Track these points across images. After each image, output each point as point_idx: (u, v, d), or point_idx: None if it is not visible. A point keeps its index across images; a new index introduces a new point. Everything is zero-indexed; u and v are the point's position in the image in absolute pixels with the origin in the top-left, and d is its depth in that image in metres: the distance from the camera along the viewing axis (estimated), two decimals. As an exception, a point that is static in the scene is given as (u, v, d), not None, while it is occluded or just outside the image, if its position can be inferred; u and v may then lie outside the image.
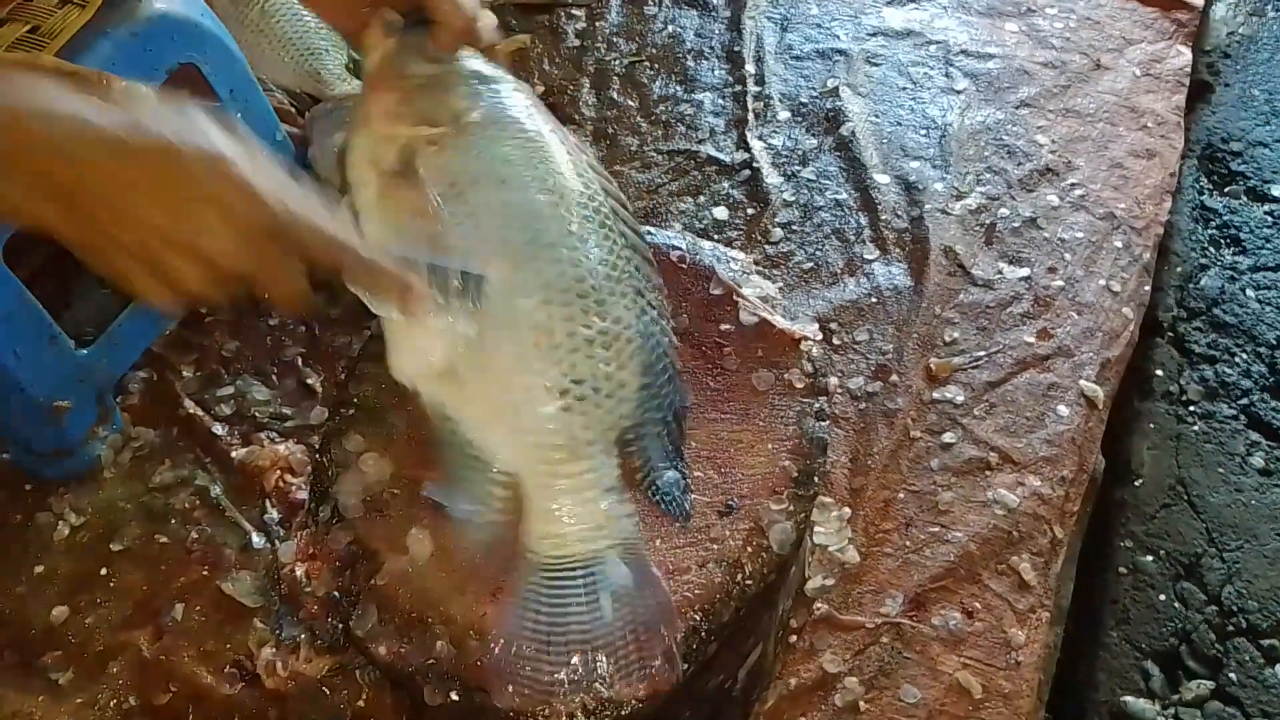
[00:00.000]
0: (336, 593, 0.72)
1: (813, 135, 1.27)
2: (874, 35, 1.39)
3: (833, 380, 1.00)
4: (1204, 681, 0.97)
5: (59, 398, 0.92)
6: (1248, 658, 0.99)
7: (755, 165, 1.24)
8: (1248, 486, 1.10)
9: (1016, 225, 1.18)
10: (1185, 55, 1.37)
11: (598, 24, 1.40)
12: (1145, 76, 1.34)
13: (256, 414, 1.01)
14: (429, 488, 0.71)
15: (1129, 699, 0.97)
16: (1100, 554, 1.06)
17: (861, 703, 0.86)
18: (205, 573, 0.91)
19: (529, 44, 1.36)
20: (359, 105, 0.74)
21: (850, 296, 1.11)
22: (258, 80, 1.06)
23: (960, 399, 1.04)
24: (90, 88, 0.59)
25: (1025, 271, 1.14)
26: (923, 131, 1.27)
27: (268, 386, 1.02)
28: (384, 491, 0.75)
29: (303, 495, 0.93)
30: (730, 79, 1.34)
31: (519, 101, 0.76)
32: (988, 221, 1.18)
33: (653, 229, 0.95)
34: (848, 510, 0.95)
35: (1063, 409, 1.03)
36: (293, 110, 1.19)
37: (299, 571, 0.81)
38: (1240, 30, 1.55)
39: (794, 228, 1.18)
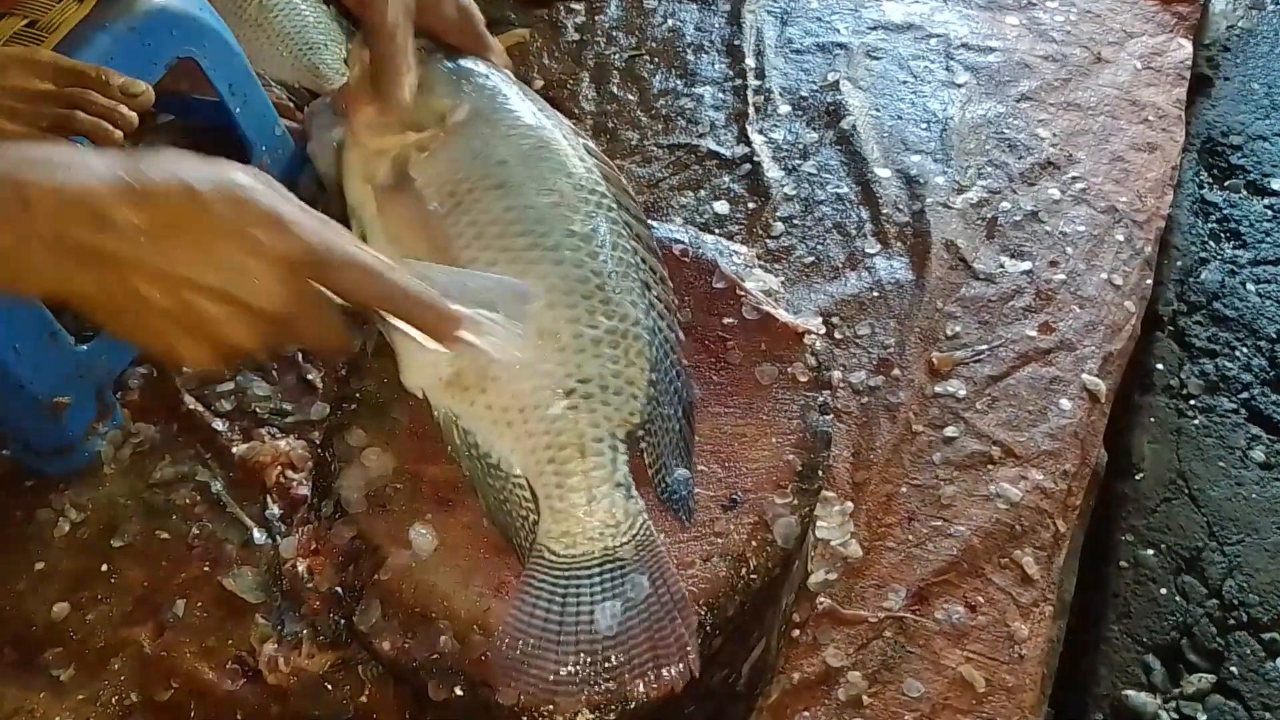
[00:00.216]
0: (339, 588, 0.72)
1: (813, 129, 1.27)
2: (874, 29, 1.38)
3: (835, 374, 1.00)
4: (1205, 675, 0.98)
5: (59, 394, 0.91)
6: (1249, 651, 0.99)
7: (756, 159, 1.23)
8: (1248, 480, 1.10)
9: (1018, 219, 1.18)
10: (1186, 48, 1.36)
11: (597, 18, 1.39)
12: (1146, 70, 1.34)
13: (257, 409, 1.00)
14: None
15: (1130, 692, 0.97)
16: (1101, 548, 1.06)
17: (864, 697, 0.86)
18: (206, 568, 0.90)
19: (528, 38, 1.36)
20: (346, 123, 0.74)
21: (852, 290, 1.11)
22: (256, 75, 1.06)
23: (962, 393, 1.04)
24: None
25: (1027, 265, 1.14)
26: (923, 125, 1.27)
27: (268, 382, 1.02)
28: (386, 486, 0.74)
29: (304, 491, 0.93)
30: (730, 73, 1.34)
31: (504, 90, 0.75)
32: (989, 215, 1.18)
33: (655, 223, 0.94)
34: (850, 504, 0.95)
35: (1065, 402, 1.03)
36: (291, 105, 1.19)
37: (300, 567, 0.81)
38: (1240, 23, 1.55)
39: (795, 222, 1.18)
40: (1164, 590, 1.04)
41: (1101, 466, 1.05)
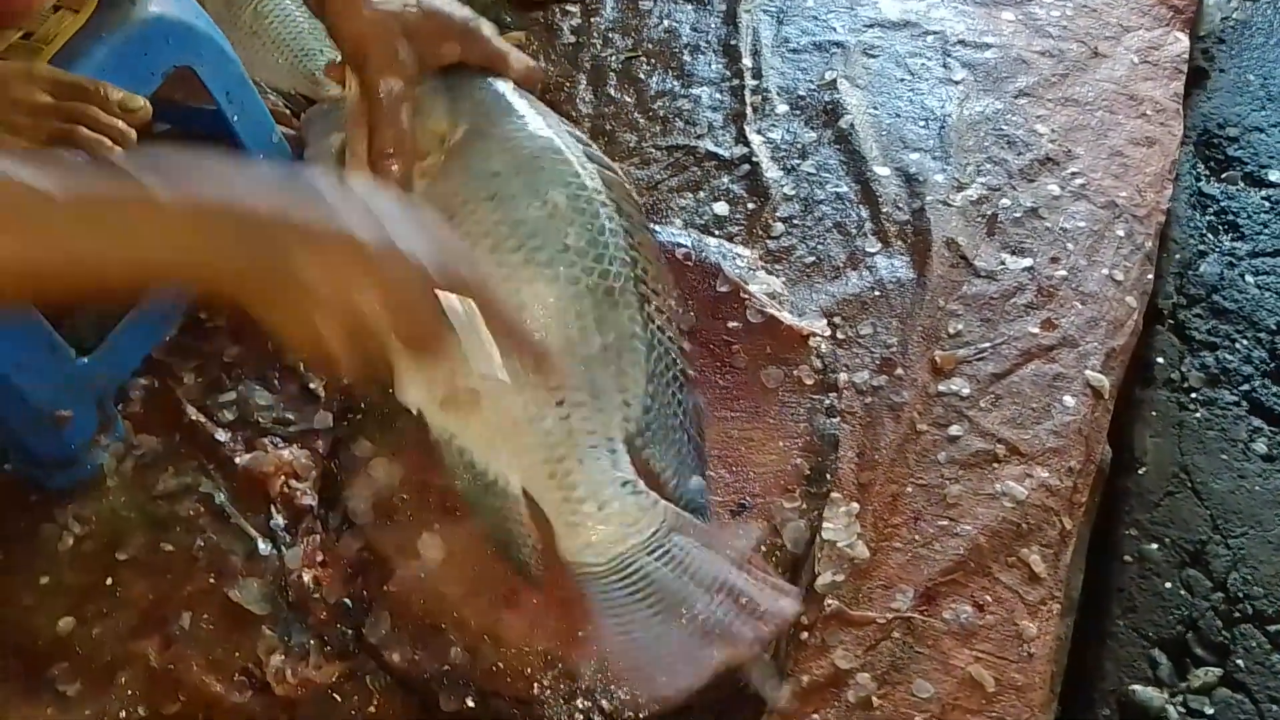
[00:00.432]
0: (348, 600, 0.72)
1: (811, 128, 1.27)
2: (871, 27, 1.38)
3: (841, 376, 0.99)
4: (1212, 669, 0.98)
5: (60, 407, 0.91)
6: (1255, 644, 0.99)
7: (754, 160, 1.23)
8: (1251, 472, 1.11)
9: (1018, 215, 1.18)
10: (1183, 42, 1.36)
11: (593, 20, 1.39)
12: (1143, 64, 1.34)
13: (260, 419, 1.00)
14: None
15: (1137, 687, 0.97)
16: (1105, 543, 1.06)
17: (874, 698, 0.86)
18: (212, 580, 0.90)
19: (524, 41, 1.35)
20: (346, 145, 0.73)
21: (853, 290, 1.11)
22: (253, 83, 1.05)
23: (966, 391, 1.04)
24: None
25: (1028, 262, 1.14)
26: (922, 123, 1.27)
27: (270, 391, 1.02)
28: (394, 497, 0.75)
29: (308, 500, 0.92)
30: (727, 73, 1.33)
31: (502, 103, 0.74)
32: (989, 212, 1.18)
33: (657, 227, 0.94)
34: (856, 505, 0.94)
35: (1069, 399, 1.03)
36: (288, 112, 1.18)
37: (306, 577, 0.81)
38: (1235, 15, 1.55)
39: (795, 222, 1.17)
40: (1169, 584, 1.04)
41: (1106, 463, 1.05)
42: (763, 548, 0.70)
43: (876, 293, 1.11)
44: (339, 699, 0.82)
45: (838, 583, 0.90)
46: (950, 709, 0.85)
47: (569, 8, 1.40)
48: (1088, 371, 1.05)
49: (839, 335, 1.07)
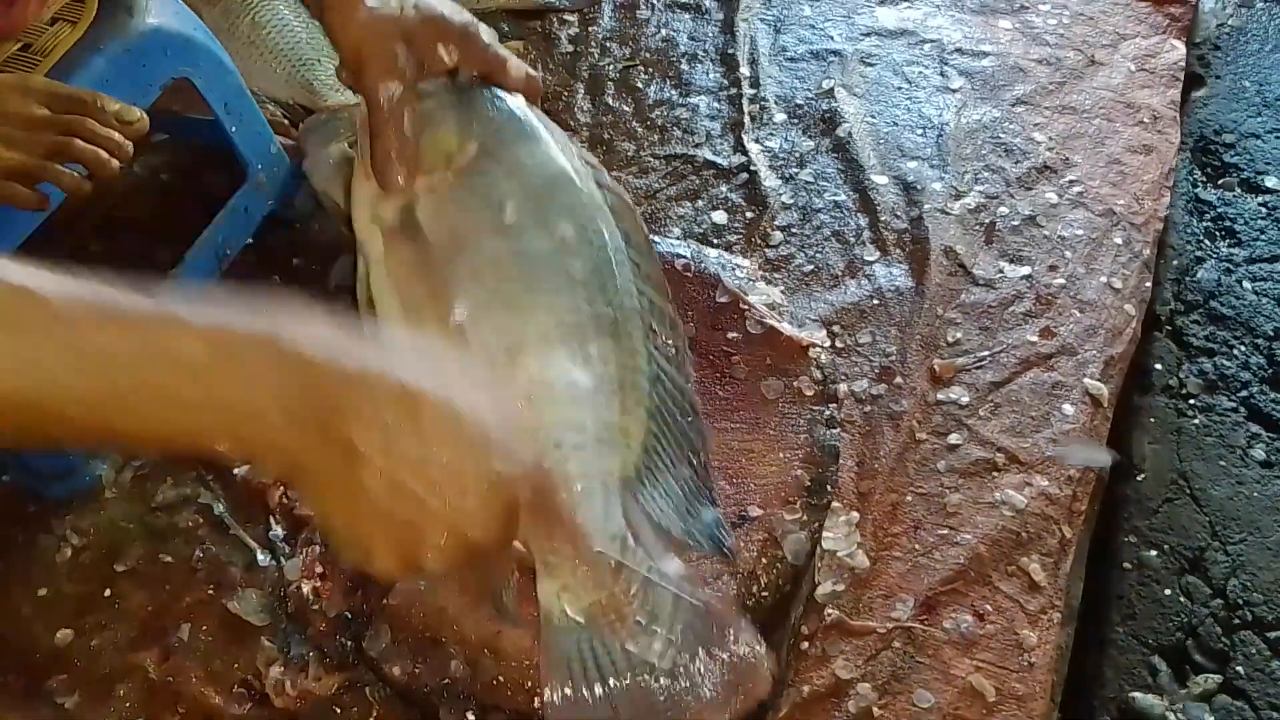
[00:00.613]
0: (348, 613, 0.72)
1: (809, 137, 1.27)
2: (868, 35, 1.38)
3: (841, 387, 0.99)
4: (1211, 675, 0.98)
5: (59, 418, 0.91)
6: (1254, 650, 0.99)
7: (753, 168, 1.23)
8: (1249, 479, 1.11)
9: (1016, 224, 1.18)
10: (1179, 50, 1.37)
11: (591, 29, 1.39)
12: (1140, 72, 1.34)
13: (258, 430, 1.00)
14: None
15: (1137, 695, 0.97)
16: (1104, 550, 1.06)
17: (875, 708, 0.85)
18: (211, 592, 0.90)
19: (522, 50, 1.35)
20: (357, 157, 0.72)
21: (852, 299, 1.11)
22: (251, 93, 1.05)
23: (965, 400, 1.04)
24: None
25: (1026, 270, 1.14)
26: (919, 131, 1.27)
27: (268, 401, 1.01)
28: (394, 509, 0.74)
29: (307, 511, 0.92)
30: (725, 82, 1.33)
31: (513, 124, 0.73)
32: (987, 220, 1.18)
33: (656, 237, 0.94)
34: (856, 514, 0.94)
35: (1068, 408, 1.03)
36: (286, 122, 1.18)
37: (306, 589, 0.81)
38: (1230, 22, 1.55)
39: (793, 230, 1.18)
40: (1168, 591, 1.04)
41: (1105, 471, 1.05)
42: (764, 559, 0.70)
43: (875, 301, 1.11)
44: (339, 711, 0.81)
45: (838, 592, 0.90)
46: (951, 719, 0.85)
47: (567, 17, 1.40)
48: (1086, 379, 1.06)
49: (838, 344, 1.07)
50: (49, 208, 0.79)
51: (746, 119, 1.29)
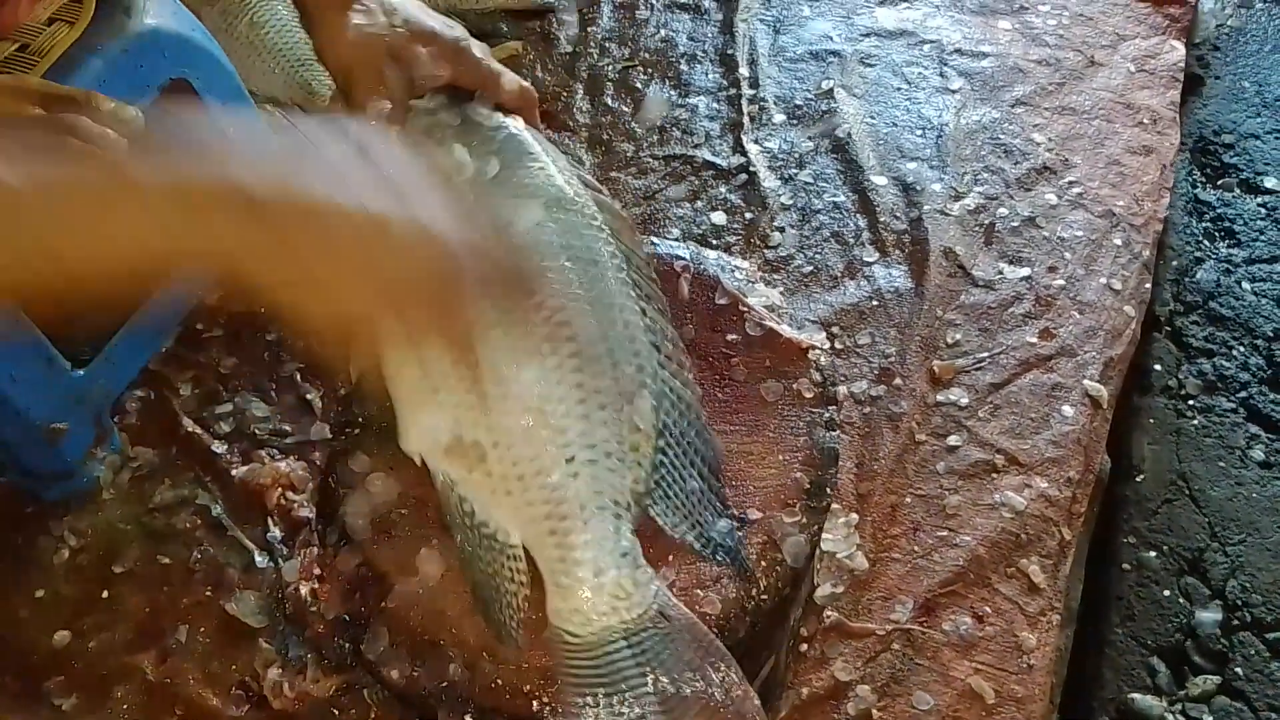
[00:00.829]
0: (347, 615, 0.72)
1: (809, 138, 1.27)
2: (867, 35, 1.38)
3: (841, 390, 0.99)
4: (1210, 677, 0.98)
5: (56, 420, 0.91)
6: (1253, 652, 1.00)
7: (752, 169, 1.23)
8: (1248, 480, 1.11)
9: (1015, 225, 1.18)
10: (1179, 50, 1.36)
11: (590, 29, 1.39)
12: (1140, 73, 1.34)
13: (256, 431, 1.00)
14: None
15: (1136, 696, 0.97)
16: (1104, 550, 1.07)
17: (874, 710, 0.85)
18: (209, 593, 0.90)
19: (521, 50, 1.35)
20: None
21: (851, 300, 1.11)
22: (249, 93, 1.05)
23: (964, 401, 1.04)
24: None
25: (1026, 271, 1.14)
26: (919, 132, 1.27)
27: (266, 403, 1.01)
28: (392, 512, 0.74)
29: (305, 513, 0.92)
30: (724, 82, 1.33)
31: (512, 146, 0.73)
32: (987, 221, 1.18)
33: (655, 239, 0.94)
34: (855, 516, 0.94)
35: (1067, 409, 1.03)
36: (285, 122, 1.18)
37: (304, 590, 0.81)
38: (1229, 22, 1.55)
39: (792, 231, 1.17)
40: (1167, 592, 1.04)
41: (1105, 472, 1.05)
42: (763, 562, 0.70)
43: (874, 302, 1.11)
44: (336, 713, 0.81)
45: (837, 594, 0.90)
46: (950, 721, 0.85)
47: (566, 17, 1.40)
48: (1086, 381, 1.05)
49: (837, 345, 1.07)
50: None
51: (746, 119, 1.28)
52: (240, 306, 1.06)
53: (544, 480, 0.64)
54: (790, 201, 1.20)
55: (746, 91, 1.31)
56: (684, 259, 0.84)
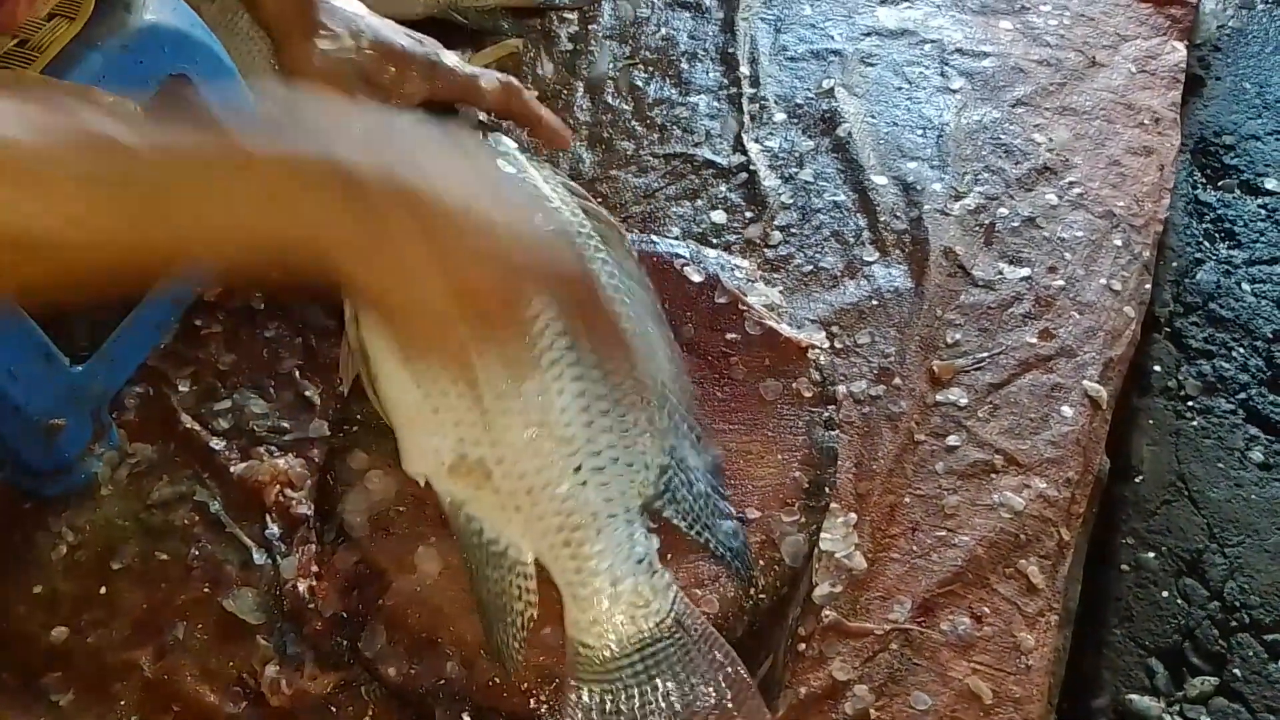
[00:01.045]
0: (344, 613, 0.72)
1: (809, 137, 1.27)
2: (868, 35, 1.38)
3: (840, 389, 0.99)
4: (1208, 678, 0.98)
5: (54, 416, 0.90)
6: (1252, 653, 1.00)
7: (752, 168, 1.23)
8: (1247, 481, 1.11)
9: (1016, 225, 1.18)
10: (1180, 51, 1.36)
11: (591, 27, 1.39)
12: (1141, 73, 1.34)
13: (255, 427, 0.99)
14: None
15: (1134, 697, 0.97)
16: (1102, 551, 1.07)
17: (872, 710, 0.85)
18: (206, 590, 0.89)
19: (521, 48, 1.35)
20: None
21: (851, 299, 1.11)
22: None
23: (964, 401, 1.04)
24: None
25: (1026, 271, 1.14)
26: (919, 131, 1.27)
27: (265, 400, 1.01)
28: (390, 509, 0.74)
29: (303, 509, 0.92)
30: (725, 81, 1.33)
31: (505, 167, 0.73)
32: (987, 221, 1.18)
33: (654, 237, 0.94)
34: (853, 515, 0.94)
35: (1067, 410, 1.03)
36: (285, 119, 1.18)
37: (301, 587, 0.81)
38: (1230, 23, 1.55)
39: (792, 230, 1.17)
40: (1165, 593, 1.04)
41: (1104, 473, 1.05)
42: (761, 561, 0.70)
43: (874, 302, 1.11)
44: (334, 710, 0.81)
45: (835, 594, 0.90)
46: (948, 721, 0.85)
47: (567, 15, 1.40)
48: (1085, 382, 1.05)
49: (836, 344, 1.06)
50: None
51: (746, 118, 1.28)
52: (239, 302, 1.06)
53: (553, 492, 0.64)
54: (790, 200, 1.20)
55: (747, 90, 1.31)
56: (684, 257, 0.84)
